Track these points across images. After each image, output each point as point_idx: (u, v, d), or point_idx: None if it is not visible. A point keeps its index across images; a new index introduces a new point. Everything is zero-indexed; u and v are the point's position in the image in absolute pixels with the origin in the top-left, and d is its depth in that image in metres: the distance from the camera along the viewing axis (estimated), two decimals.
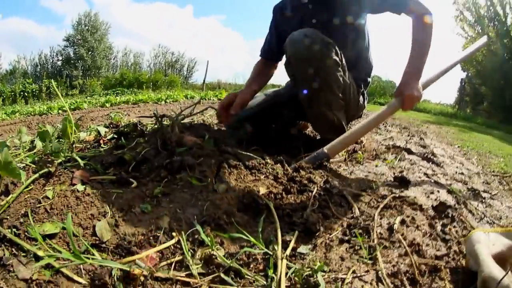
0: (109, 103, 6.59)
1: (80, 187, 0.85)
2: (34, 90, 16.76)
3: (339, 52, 1.44)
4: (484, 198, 1.25)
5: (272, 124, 1.82)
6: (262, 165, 1.07)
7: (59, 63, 28.03)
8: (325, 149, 1.27)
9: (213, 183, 0.92)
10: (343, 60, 1.48)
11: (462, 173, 1.61)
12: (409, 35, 1.50)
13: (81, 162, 1.01)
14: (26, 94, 15.94)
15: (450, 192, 1.21)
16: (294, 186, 0.94)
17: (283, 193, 0.90)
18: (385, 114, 1.47)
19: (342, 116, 1.53)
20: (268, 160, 1.13)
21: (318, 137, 1.79)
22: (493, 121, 11.14)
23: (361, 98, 1.74)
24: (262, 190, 0.87)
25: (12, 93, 15.53)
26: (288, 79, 1.72)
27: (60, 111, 5.69)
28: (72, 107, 6.22)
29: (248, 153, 1.13)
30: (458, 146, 2.86)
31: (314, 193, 0.90)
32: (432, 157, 1.79)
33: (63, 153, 1.10)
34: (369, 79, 1.78)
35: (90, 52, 27.90)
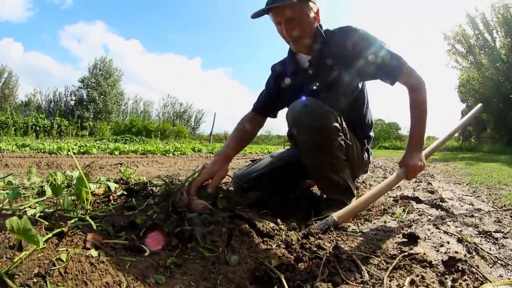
0: (118, 151, 6.78)
1: (94, 252, 0.86)
2: (46, 125, 17.55)
3: (338, 118, 1.50)
4: (497, 239, 1.26)
5: (279, 185, 1.85)
6: (276, 231, 1.10)
7: (72, 103, 29.59)
8: (335, 216, 1.30)
9: (225, 254, 0.93)
10: (343, 123, 1.54)
11: (472, 215, 1.63)
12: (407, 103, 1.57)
13: (94, 225, 1.03)
14: (37, 128, 16.71)
15: (460, 240, 1.22)
16: (305, 254, 0.96)
17: (295, 263, 0.92)
18: (392, 183, 1.54)
19: (347, 176, 1.58)
20: (282, 227, 1.16)
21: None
22: (498, 147, 11.09)
23: (365, 154, 1.79)
24: (274, 263, 0.89)
25: (25, 125, 16.29)
26: None
27: (69, 153, 5.84)
28: (81, 150, 6.45)
29: (263, 220, 1.16)
30: (467, 184, 2.86)
31: (324, 260, 0.92)
32: (440, 203, 1.82)
33: (76, 213, 1.11)
34: (371, 134, 1.84)
35: (102, 96, 29.21)
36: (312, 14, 1.52)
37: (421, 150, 1.58)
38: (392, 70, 1.50)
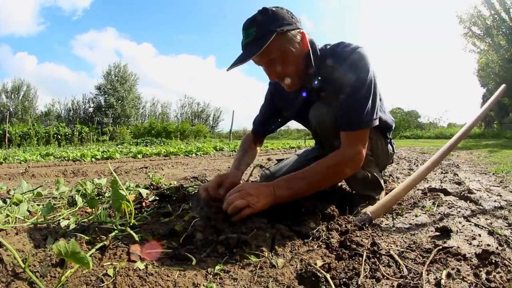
0: (141, 154, 6.92)
1: (140, 265, 0.85)
2: (67, 133, 18.14)
3: None
4: None
5: None
6: (315, 231, 1.15)
7: (91, 109, 30.36)
8: (369, 212, 1.35)
9: (270, 258, 0.96)
10: None
11: (501, 207, 1.64)
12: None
13: (136, 237, 1.03)
14: (59, 136, 17.27)
15: (491, 233, 1.24)
16: (345, 252, 1.01)
17: (336, 261, 0.97)
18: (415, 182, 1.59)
19: (374, 170, 1.61)
20: (323, 227, 1.20)
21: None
22: None
23: (389, 147, 1.78)
24: (319, 263, 0.95)
25: (46, 134, 16.83)
26: None
27: (93, 159, 6.06)
28: (105, 155, 6.63)
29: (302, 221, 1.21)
30: (493, 173, 2.85)
31: (364, 257, 0.98)
32: (469, 194, 1.84)
33: (115, 224, 1.11)
34: (393, 125, 1.76)
35: (119, 101, 29.76)
36: (295, 46, 1.33)
37: (278, 193, 1.24)
38: (350, 120, 1.32)
